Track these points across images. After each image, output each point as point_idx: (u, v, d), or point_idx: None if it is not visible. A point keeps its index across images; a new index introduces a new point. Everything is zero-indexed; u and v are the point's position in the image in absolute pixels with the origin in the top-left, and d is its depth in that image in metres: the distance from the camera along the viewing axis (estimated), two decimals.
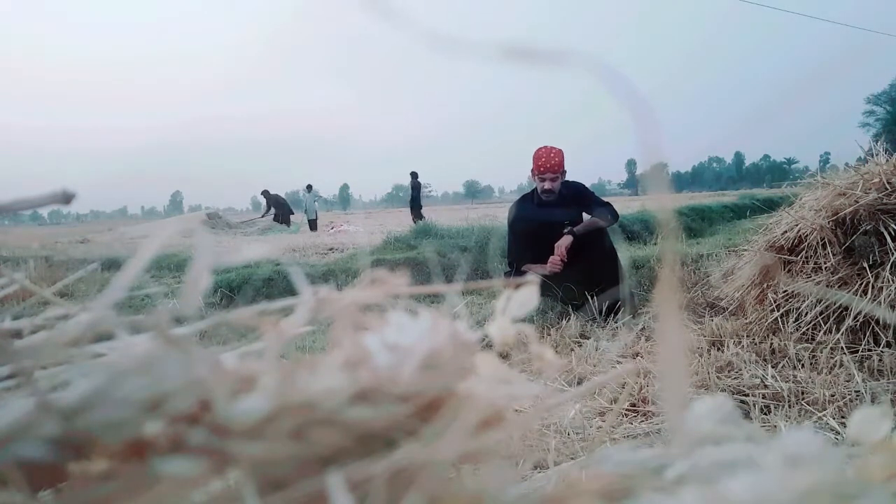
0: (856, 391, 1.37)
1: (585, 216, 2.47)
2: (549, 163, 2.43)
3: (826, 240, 1.80)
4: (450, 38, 0.20)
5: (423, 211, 10.94)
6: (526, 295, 0.25)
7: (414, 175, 11.27)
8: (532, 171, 2.50)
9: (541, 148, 2.48)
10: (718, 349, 1.73)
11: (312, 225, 11.70)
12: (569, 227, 2.33)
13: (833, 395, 1.35)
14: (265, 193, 13.08)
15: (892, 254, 1.67)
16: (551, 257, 2.30)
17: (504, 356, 0.23)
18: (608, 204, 2.48)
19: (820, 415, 1.28)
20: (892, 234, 1.70)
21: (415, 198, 11.25)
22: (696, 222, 6.90)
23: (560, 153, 2.47)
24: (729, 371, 1.56)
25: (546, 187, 2.44)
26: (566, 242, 2.29)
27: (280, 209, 12.85)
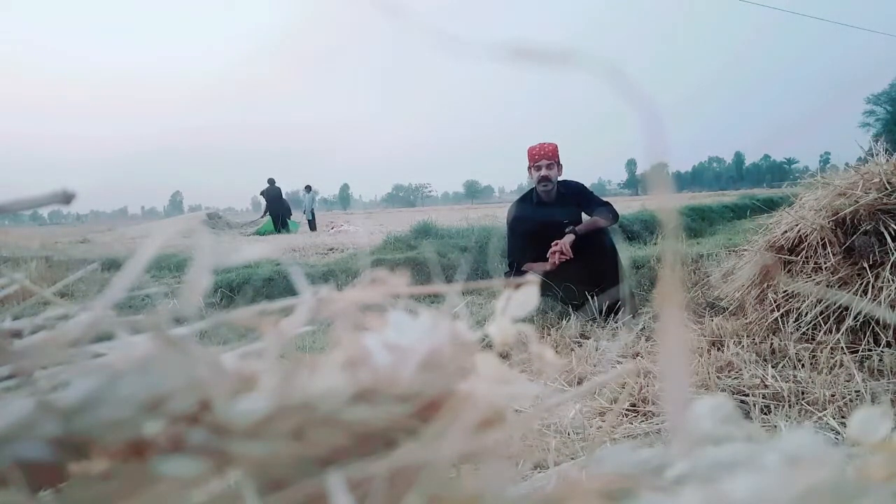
0: (856, 391, 1.37)
1: (585, 216, 2.46)
2: (542, 150, 2.45)
3: (826, 240, 1.80)
4: (457, 37, 0.20)
5: (423, 211, 10.97)
6: (526, 295, 0.25)
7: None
8: (528, 167, 2.51)
9: (533, 144, 2.50)
10: (718, 349, 1.73)
11: (311, 225, 11.70)
12: (570, 227, 2.33)
13: (833, 395, 1.35)
14: (264, 193, 12.99)
15: (892, 254, 1.67)
16: (551, 250, 2.29)
17: (504, 356, 0.23)
18: (608, 203, 2.48)
19: (820, 415, 1.28)
20: (892, 234, 1.70)
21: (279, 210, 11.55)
22: (696, 222, 6.90)
23: (553, 145, 2.48)
24: (729, 371, 1.56)
25: (543, 174, 2.44)
26: (569, 241, 2.28)
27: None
